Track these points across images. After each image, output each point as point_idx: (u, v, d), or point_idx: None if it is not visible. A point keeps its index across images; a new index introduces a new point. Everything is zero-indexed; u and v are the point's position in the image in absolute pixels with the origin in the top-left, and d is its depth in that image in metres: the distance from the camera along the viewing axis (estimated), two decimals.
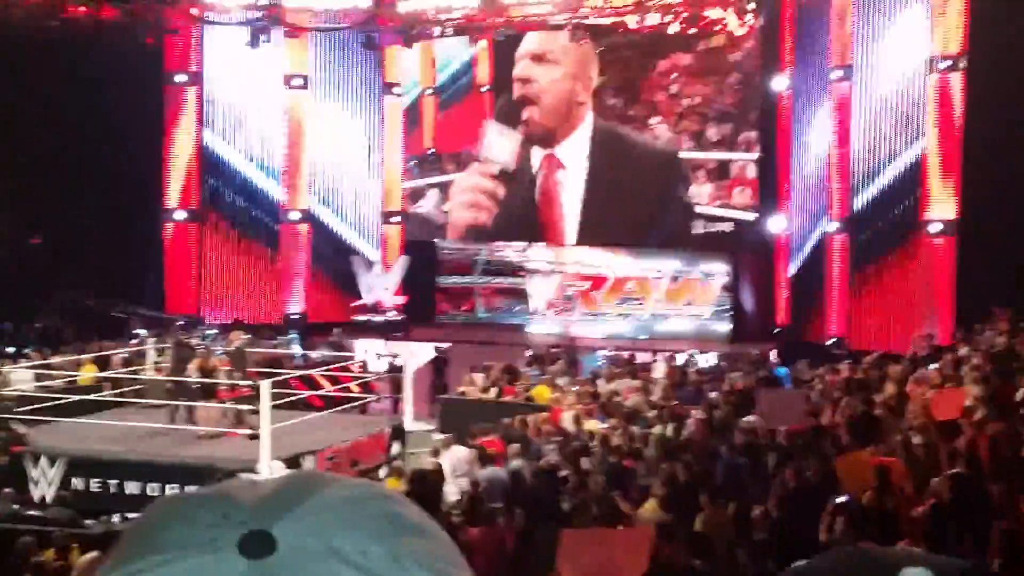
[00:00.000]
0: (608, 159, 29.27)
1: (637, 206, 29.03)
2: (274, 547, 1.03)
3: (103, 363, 21.19)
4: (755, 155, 28.57)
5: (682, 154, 28.95)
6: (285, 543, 1.04)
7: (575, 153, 29.71)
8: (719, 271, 29.25)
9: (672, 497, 11.01)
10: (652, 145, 29.20)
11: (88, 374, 20.40)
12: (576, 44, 27.89)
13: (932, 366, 15.98)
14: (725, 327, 29.13)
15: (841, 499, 9.79)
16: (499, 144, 29.66)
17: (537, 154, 29.94)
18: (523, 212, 30.18)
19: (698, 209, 28.75)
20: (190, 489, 1.10)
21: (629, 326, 29.71)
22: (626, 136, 29.34)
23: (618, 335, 29.11)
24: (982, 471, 9.17)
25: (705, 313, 29.34)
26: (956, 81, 24.17)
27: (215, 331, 25.10)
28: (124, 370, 20.59)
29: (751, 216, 28.65)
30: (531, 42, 29.45)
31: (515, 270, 31.56)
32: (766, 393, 14.95)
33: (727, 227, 28.73)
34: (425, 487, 12.90)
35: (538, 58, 29.42)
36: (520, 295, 31.46)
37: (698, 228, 28.83)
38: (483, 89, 31.24)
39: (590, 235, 30.01)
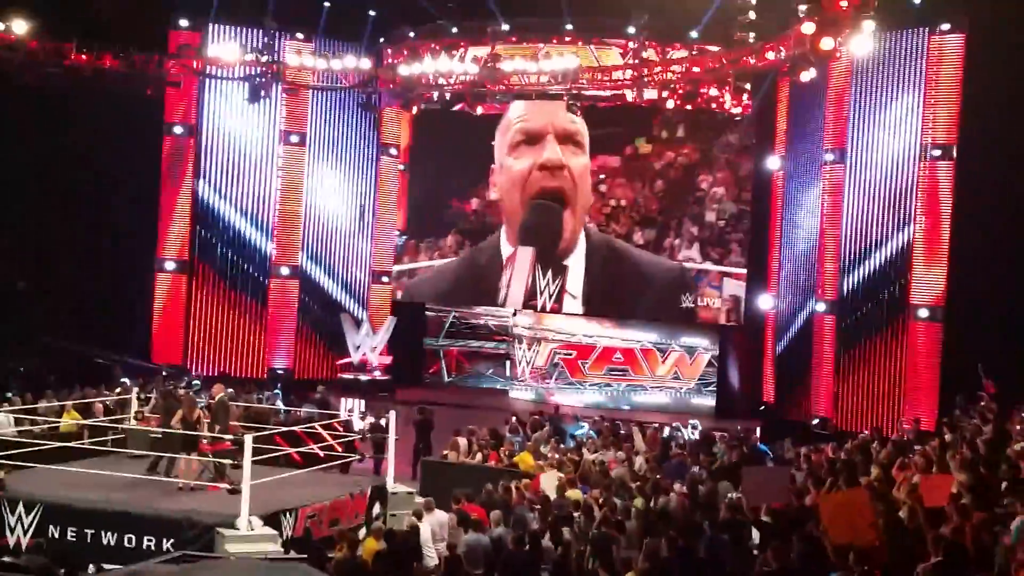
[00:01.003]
0: (605, 277, 28.88)
1: (629, 287, 29.08)
2: None
3: (85, 410, 21.05)
4: (742, 270, 28.63)
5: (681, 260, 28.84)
6: None
7: (576, 261, 29.04)
8: (706, 346, 29.31)
9: (654, 572, 10.95)
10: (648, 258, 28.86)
11: (70, 421, 20.24)
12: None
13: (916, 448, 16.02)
14: (709, 401, 29.15)
15: None
16: (540, 283, 28.65)
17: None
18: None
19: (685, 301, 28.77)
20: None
21: (614, 396, 29.69)
22: (619, 247, 28.71)
23: (603, 404, 29.10)
24: (968, 559, 9.15)
25: (690, 386, 29.36)
26: (946, 169, 24.49)
27: (198, 383, 24.97)
28: (106, 418, 20.45)
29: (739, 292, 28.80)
30: (549, 114, 28.50)
31: (502, 336, 31.60)
32: (749, 470, 14.90)
33: (715, 302, 28.85)
34: (403, 547, 12.81)
35: (567, 138, 28.32)
36: (506, 361, 31.45)
37: (687, 302, 28.92)
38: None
39: (581, 306, 30.04)
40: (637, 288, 28.57)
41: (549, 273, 28.15)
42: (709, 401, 29.18)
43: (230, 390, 23.18)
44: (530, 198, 28.24)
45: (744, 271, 28.70)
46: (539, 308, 28.39)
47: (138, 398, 21.19)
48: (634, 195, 29.22)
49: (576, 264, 28.93)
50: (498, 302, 29.27)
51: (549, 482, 16.59)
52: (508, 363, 31.59)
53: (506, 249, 29.66)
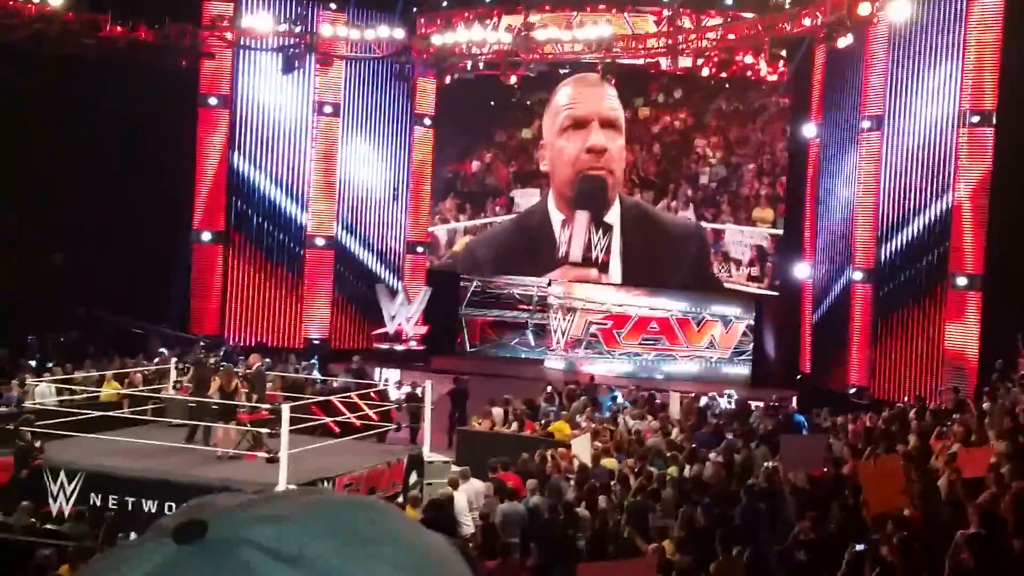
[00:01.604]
0: (638, 224, 29.31)
1: (664, 252, 29.23)
2: (203, 535, 1.07)
3: (124, 380, 21.28)
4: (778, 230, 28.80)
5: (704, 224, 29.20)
6: (215, 532, 1.08)
7: (613, 215, 29.56)
8: (742, 315, 29.21)
9: (689, 540, 10.98)
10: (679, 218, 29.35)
11: (110, 390, 20.47)
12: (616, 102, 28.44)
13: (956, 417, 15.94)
14: (745, 371, 29.07)
15: (859, 547, 9.76)
16: (594, 239, 29.15)
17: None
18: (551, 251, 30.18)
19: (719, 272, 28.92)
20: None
21: (645, 366, 29.67)
22: (650, 212, 29.38)
23: (638, 374, 29.08)
24: (1005, 528, 9.10)
25: (725, 356, 29.29)
26: (986, 136, 24.17)
27: (237, 353, 25.17)
28: (145, 388, 20.68)
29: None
30: (594, 102, 29.08)
31: (538, 305, 31.63)
32: (786, 438, 14.87)
33: (753, 271, 28.74)
34: (440, 516, 12.88)
35: (609, 123, 29.03)
36: (541, 330, 31.48)
37: (723, 272, 28.84)
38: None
39: (615, 274, 30.04)
40: (665, 247, 29.18)
41: (600, 231, 29.11)
42: (744, 370, 29.09)
43: (267, 360, 23.44)
44: (579, 172, 29.20)
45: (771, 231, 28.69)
46: (593, 261, 28.99)
47: (176, 368, 21.39)
48: (633, 157, 29.79)
49: (613, 225, 29.43)
50: (557, 258, 29.61)
51: (581, 447, 16.60)
52: (532, 333, 31.69)
53: (555, 214, 30.07)
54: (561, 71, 28.74)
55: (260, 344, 28.60)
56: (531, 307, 31.76)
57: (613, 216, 29.34)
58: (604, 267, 29.22)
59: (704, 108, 29.45)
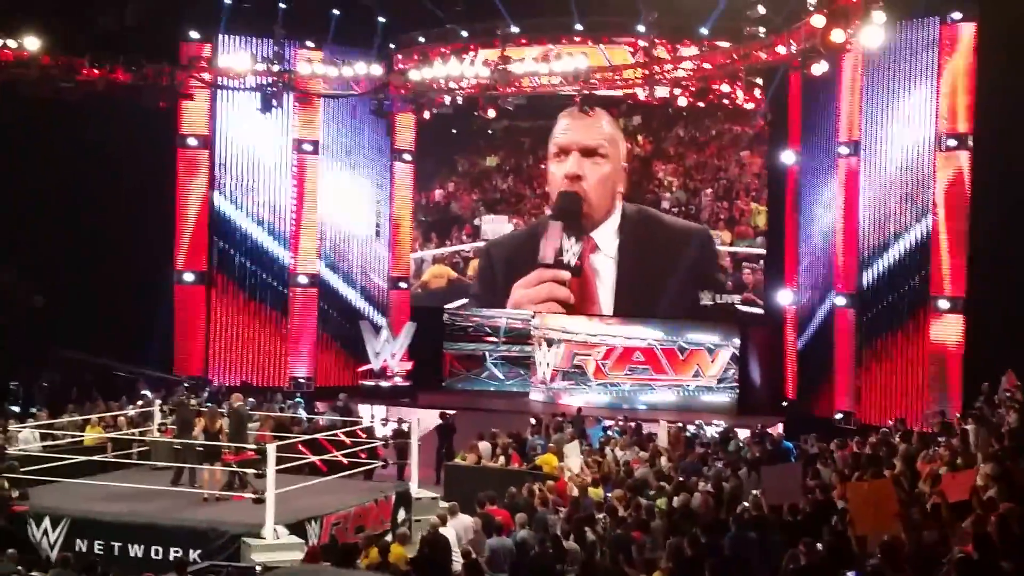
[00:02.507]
0: (636, 240, 29.50)
1: (660, 280, 29.40)
2: None
3: (109, 424, 21.17)
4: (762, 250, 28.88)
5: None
6: None
7: (607, 236, 29.72)
8: (727, 343, 29.25)
9: (679, 571, 10.93)
10: (678, 224, 29.61)
11: (93, 435, 20.34)
12: (616, 133, 29.24)
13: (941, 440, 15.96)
14: (732, 399, 29.09)
15: (850, 574, 9.75)
16: (568, 248, 29.46)
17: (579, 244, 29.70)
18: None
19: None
20: None
21: (639, 396, 29.65)
22: (653, 216, 29.65)
23: (627, 404, 29.06)
24: (994, 550, 9.10)
25: (710, 384, 29.30)
26: (963, 159, 24.36)
27: (223, 393, 25.08)
28: (129, 431, 20.56)
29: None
30: (576, 133, 29.52)
31: (522, 338, 31.65)
32: (768, 470, 14.88)
33: (736, 299, 28.78)
34: (435, 553, 12.81)
35: (589, 152, 29.48)
36: (527, 363, 31.48)
37: (706, 299, 28.87)
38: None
39: (598, 305, 30.08)
40: (670, 251, 29.45)
41: (573, 239, 29.39)
42: (726, 397, 29.10)
43: (252, 400, 23.37)
44: (559, 195, 29.82)
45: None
46: (565, 264, 29.40)
47: (161, 410, 21.31)
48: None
49: (608, 233, 29.63)
50: (537, 260, 29.88)
51: (574, 485, 16.64)
52: (497, 365, 31.78)
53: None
54: (536, 103, 28.91)
55: (245, 383, 28.54)
56: (497, 339, 31.96)
57: (609, 237, 29.58)
58: (576, 271, 29.44)
59: (663, 136, 29.93)
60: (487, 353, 32.13)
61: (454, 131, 31.27)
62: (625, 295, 29.57)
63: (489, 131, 31.32)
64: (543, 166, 30.82)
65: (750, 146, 29.26)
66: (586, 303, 29.94)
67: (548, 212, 30.24)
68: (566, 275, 29.59)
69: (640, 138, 30.27)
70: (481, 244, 31.54)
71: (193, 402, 20.39)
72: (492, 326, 32.09)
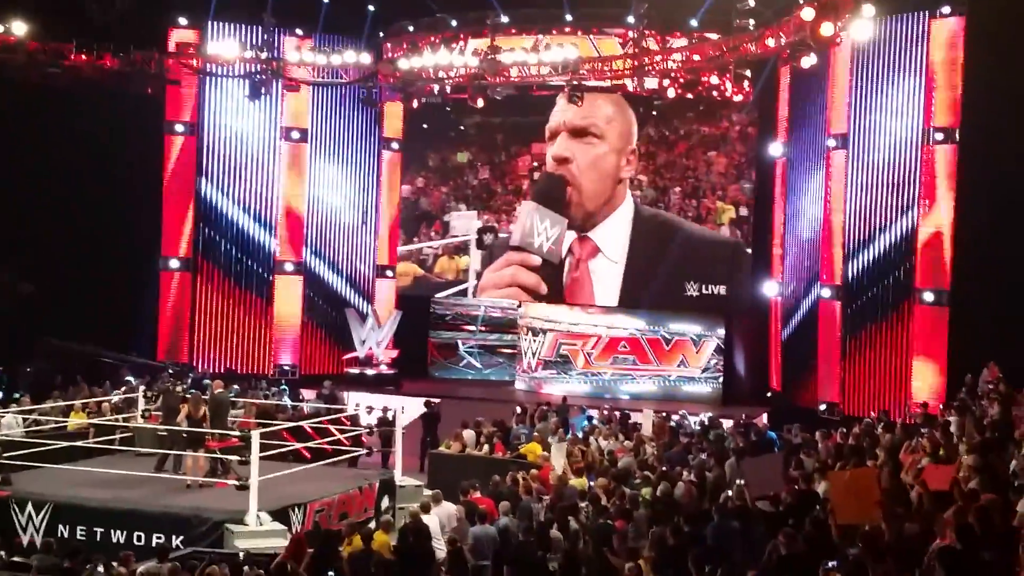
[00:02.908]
0: (650, 240, 29.32)
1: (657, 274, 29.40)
2: None
3: (94, 409, 21.11)
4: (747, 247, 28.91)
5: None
6: None
7: (612, 235, 29.51)
8: (712, 333, 29.30)
9: (662, 560, 10.95)
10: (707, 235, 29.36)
11: (77, 420, 20.29)
12: (618, 112, 28.99)
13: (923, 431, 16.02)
14: (717, 389, 29.15)
15: (831, 564, 9.77)
16: (540, 230, 29.25)
17: (569, 236, 29.58)
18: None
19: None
20: None
21: (620, 385, 29.69)
22: (668, 220, 29.39)
23: (609, 394, 29.11)
24: (975, 541, 9.14)
25: (697, 375, 29.36)
26: (949, 153, 24.45)
27: (205, 380, 25.03)
28: (112, 417, 20.49)
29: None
30: (566, 115, 29.12)
31: (508, 327, 31.66)
32: (751, 461, 14.93)
33: (721, 290, 28.82)
34: (418, 542, 12.82)
35: (579, 133, 29.21)
36: (512, 352, 31.50)
37: (692, 290, 28.90)
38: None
39: (585, 294, 30.12)
40: (695, 260, 29.14)
41: (547, 222, 29.23)
42: (714, 388, 29.16)
43: (236, 387, 23.35)
44: (544, 173, 29.85)
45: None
46: (536, 247, 29.34)
47: (145, 396, 21.26)
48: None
49: (612, 231, 29.45)
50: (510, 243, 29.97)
51: (557, 474, 16.67)
52: (472, 353, 31.83)
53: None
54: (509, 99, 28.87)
55: (229, 371, 28.51)
56: (476, 328, 32.06)
57: (614, 235, 29.34)
58: (552, 257, 29.35)
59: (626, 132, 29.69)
60: (463, 342, 32.11)
61: (424, 126, 31.39)
62: (624, 289, 29.63)
63: (461, 127, 31.37)
64: (516, 162, 30.85)
65: (717, 146, 29.41)
66: (578, 294, 29.94)
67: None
68: (535, 260, 29.53)
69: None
70: (449, 241, 31.52)
71: (179, 389, 20.34)
72: (473, 315, 32.05)
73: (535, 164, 30.57)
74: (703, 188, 29.48)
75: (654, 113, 29.01)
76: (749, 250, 28.82)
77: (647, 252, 29.29)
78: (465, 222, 31.53)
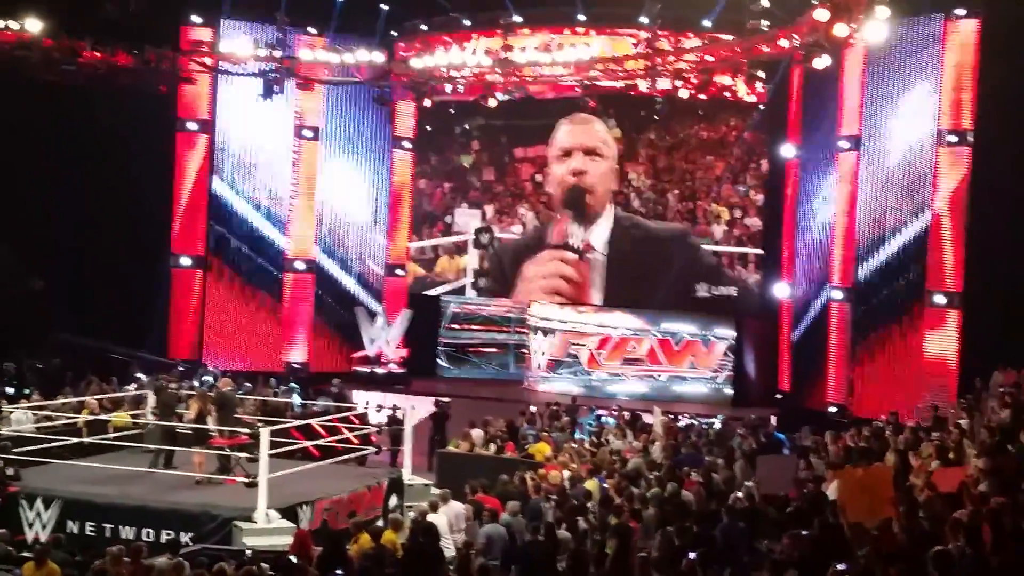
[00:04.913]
0: (626, 240, 29.89)
1: (648, 273, 29.64)
2: None
3: (107, 407, 21.13)
4: (758, 250, 29.06)
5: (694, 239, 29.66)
6: None
7: (601, 234, 30.15)
8: (723, 335, 29.26)
9: (668, 560, 10.92)
10: (667, 229, 29.91)
11: (87, 417, 20.31)
12: (608, 137, 29.90)
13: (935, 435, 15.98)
14: (727, 390, 29.12)
15: (841, 567, 9.72)
16: (575, 232, 30.09)
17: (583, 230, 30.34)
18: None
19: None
20: None
21: (630, 386, 29.68)
22: (642, 223, 30.00)
23: (619, 395, 29.10)
24: (983, 545, 9.10)
25: (707, 376, 29.33)
26: (964, 155, 24.35)
27: (211, 377, 25.06)
28: (121, 414, 20.51)
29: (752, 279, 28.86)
30: (576, 136, 30.06)
31: (518, 327, 31.70)
32: (762, 459, 14.89)
33: (731, 291, 28.80)
34: (427, 541, 12.79)
35: (590, 152, 30.02)
36: (522, 351, 31.52)
37: (702, 291, 28.89)
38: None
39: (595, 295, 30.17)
40: (653, 252, 29.72)
41: (576, 225, 30.13)
42: (724, 390, 29.15)
43: (248, 384, 23.41)
44: (566, 188, 30.14)
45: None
46: (572, 247, 30.22)
47: (139, 395, 21.31)
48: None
49: (601, 231, 30.13)
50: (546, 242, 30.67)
51: (567, 474, 16.67)
52: (527, 355, 31.61)
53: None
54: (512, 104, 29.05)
55: (240, 369, 28.51)
56: (490, 328, 32.20)
57: (603, 228, 30.07)
58: (581, 254, 30.09)
59: (635, 139, 30.24)
60: (480, 341, 32.10)
61: (428, 128, 31.75)
62: (618, 288, 29.72)
63: (466, 126, 31.49)
64: (517, 165, 31.29)
65: (716, 150, 29.55)
66: (582, 293, 30.02)
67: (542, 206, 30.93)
68: (572, 256, 30.06)
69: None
70: (450, 240, 31.81)
71: (173, 386, 20.36)
72: (487, 315, 32.11)
73: (540, 168, 31.03)
74: (698, 192, 29.70)
75: (656, 118, 29.03)
76: (698, 241, 29.31)
77: (625, 248, 29.85)
78: (467, 219, 31.72)
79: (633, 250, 29.66)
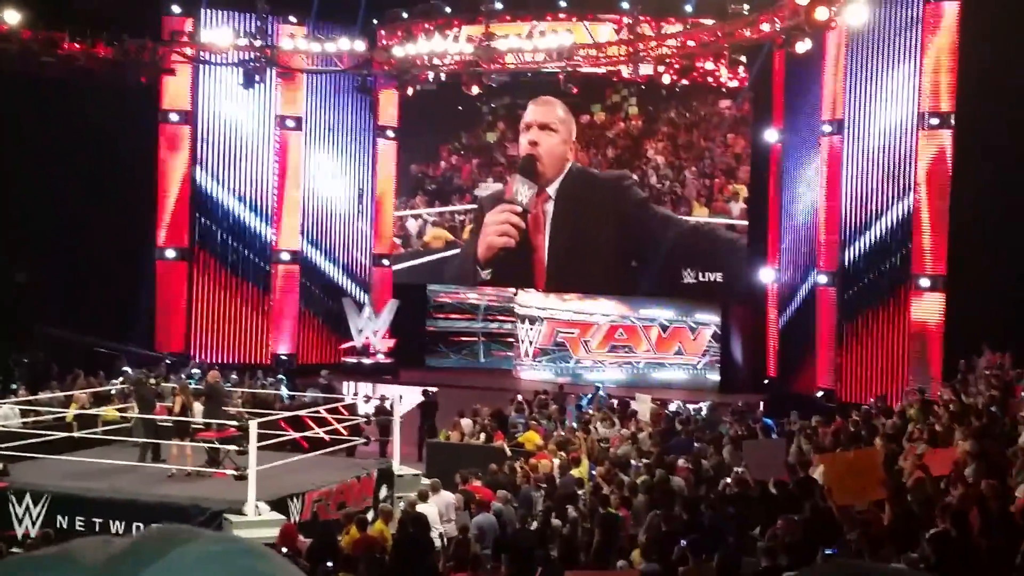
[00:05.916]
0: (578, 194, 30.30)
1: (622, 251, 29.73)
2: None
3: (99, 400, 21.08)
4: (744, 221, 29.02)
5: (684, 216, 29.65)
6: None
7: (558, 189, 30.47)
8: (709, 321, 29.33)
9: (655, 546, 10.95)
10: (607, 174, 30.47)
11: (75, 411, 20.24)
12: (568, 118, 30.18)
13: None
14: (714, 377, 29.19)
15: (828, 552, 9.78)
16: (522, 191, 30.25)
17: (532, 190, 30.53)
18: (518, 255, 30.52)
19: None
20: (37, 552, 1.09)
21: (618, 374, 29.74)
22: (589, 172, 30.53)
23: (607, 382, 29.11)
24: (970, 527, 9.16)
25: (694, 362, 29.40)
26: (945, 137, 24.41)
27: (198, 370, 24.99)
28: (109, 408, 20.45)
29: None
30: (537, 114, 30.39)
31: (505, 315, 31.72)
32: (749, 444, 14.94)
33: (718, 277, 28.83)
34: (417, 531, 12.81)
35: (543, 127, 30.28)
36: (509, 340, 31.54)
37: (689, 277, 28.92)
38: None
39: (579, 282, 30.17)
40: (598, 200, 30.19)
41: (526, 186, 30.29)
42: (716, 375, 29.20)
43: (235, 376, 23.34)
44: (523, 156, 30.49)
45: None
46: (519, 202, 30.52)
47: (119, 389, 21.24)
48: (588, 160, 30.66)
49: (556, 186, 30.44)
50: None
51: (556, 462, 16.70)
52: (515, 343, 31.61)
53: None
54: (521, 79, 28.91)
55: (227, 361, 28.44)
56: (476, 316, 32.38)
57: (554, 186, 30.54)
58: (526, 209, 30.43)
59: (655, 116, 30.21)
60: (466, 331, 32.15)
61: (459, 108, 31.36)
62: (567, 233, 30.09)
63: (493, 104, 31.44)
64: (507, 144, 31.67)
65: (734, 128, 29.31)
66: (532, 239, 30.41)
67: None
68: (518, 208, 30.32)
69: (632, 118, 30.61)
70: (474, 207, 31.88)
71: (152, 381, 20.27)
72: (472, 304, 32.14)
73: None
74: (716, 169, 29.62)
75: (676, 91, 29.08)
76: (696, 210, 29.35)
77: (573, 202, 30.28)
78: (490, 190, 31.82)
79: (580, 194, 30.06)
